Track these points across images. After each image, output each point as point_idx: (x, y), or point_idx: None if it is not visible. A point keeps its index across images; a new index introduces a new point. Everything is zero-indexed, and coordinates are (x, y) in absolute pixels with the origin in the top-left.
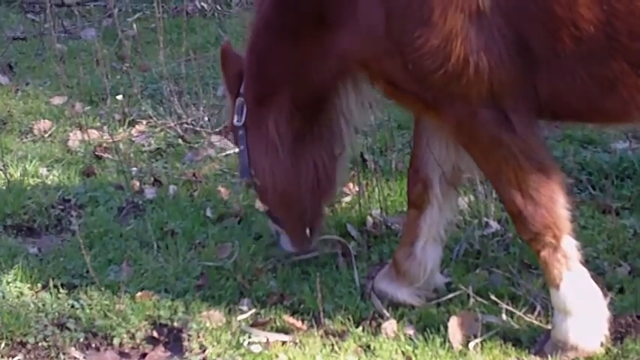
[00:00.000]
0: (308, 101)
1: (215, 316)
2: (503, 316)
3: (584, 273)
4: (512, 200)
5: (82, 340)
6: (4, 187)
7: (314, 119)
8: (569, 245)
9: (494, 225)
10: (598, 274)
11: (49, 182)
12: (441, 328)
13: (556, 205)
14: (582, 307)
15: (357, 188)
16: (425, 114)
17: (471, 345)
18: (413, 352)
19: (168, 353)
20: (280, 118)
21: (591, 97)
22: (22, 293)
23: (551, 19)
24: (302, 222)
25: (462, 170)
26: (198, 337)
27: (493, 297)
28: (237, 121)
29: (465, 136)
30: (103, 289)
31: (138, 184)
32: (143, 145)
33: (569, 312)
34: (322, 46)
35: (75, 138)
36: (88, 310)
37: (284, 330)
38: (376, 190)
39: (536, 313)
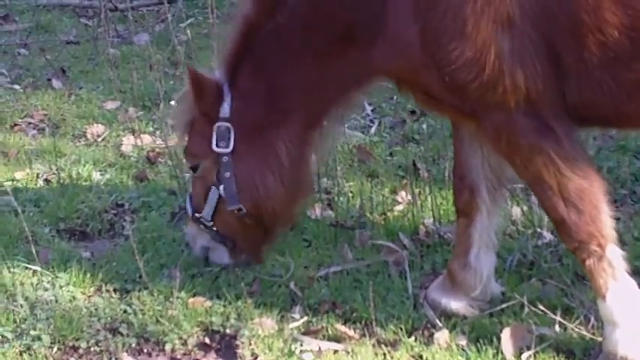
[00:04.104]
0: (320, 117)
1: (267, 323)
2: (557, 328)
3: (632, 283)
4: (555, 208)
5: (134, 345)
6: (57, 191)
7: (317, 132)
8: (615, 254)
9: (548, 235)
10: None
11: (102, 187)
12: (494, 339)
13: (600, 213)
14: (631, 318)
15: (409, 197)
16: (463, 123)
17: (524, 357)
18: None
19: None
20: (292, 140)
21: (617, 101)
22: (74, 297)
23: (577, 26)
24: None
25: (508, 173)
26: (250, 344)
27: (546, 309)
28: (221, 147)
29: (505, 145)
30: (155, 294)
31: None
32: None
33: (616, 323)
34: (348, 64)
35: (128, 142)
36: (140, 315)
37: (336, 338)
38: (429, 198)
39: (589, 325)
